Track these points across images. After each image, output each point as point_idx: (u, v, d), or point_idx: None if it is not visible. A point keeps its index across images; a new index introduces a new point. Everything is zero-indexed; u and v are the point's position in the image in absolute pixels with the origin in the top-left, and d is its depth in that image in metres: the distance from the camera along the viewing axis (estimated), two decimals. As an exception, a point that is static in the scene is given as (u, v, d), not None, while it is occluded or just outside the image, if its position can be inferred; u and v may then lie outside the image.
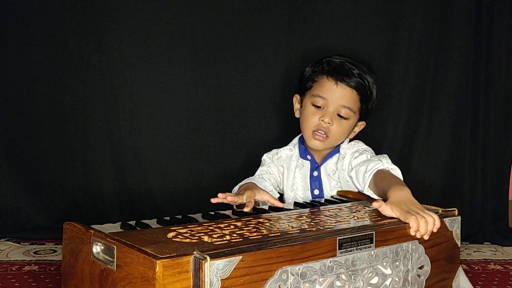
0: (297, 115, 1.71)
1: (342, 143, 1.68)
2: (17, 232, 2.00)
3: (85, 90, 2.04)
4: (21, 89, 2.04)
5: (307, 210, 1.35)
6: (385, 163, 1.45)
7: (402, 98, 2.08)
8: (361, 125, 1.71)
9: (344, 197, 1.57)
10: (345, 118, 1.62)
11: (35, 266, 1.70)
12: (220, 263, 0.94)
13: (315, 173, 1.67)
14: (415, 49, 2.06)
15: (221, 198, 1.39)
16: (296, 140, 1.75)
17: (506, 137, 2.13)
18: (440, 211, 1.30)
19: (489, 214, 2.11)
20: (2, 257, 1.78)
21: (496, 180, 2.13)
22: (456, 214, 1.30)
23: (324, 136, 1.62)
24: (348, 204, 1.42)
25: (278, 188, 1.74)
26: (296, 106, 1.72)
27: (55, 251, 1.86)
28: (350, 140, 1.70)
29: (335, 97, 1.61)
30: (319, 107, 1.63)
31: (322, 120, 1.61)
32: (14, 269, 1.67)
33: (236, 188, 1.61)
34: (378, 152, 1.65)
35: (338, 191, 1.63)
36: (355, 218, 1.25)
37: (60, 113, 2.05)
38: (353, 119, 1.64)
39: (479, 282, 1.66)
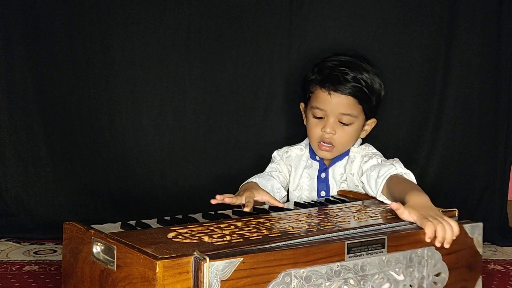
0: (305, 123, 1.69)
1: (353, 145, 1.65)
2: (17, 232, 1.99)
3: (90, 91, 2.05)
4: (27, 89, 2.04)
5: (307, 210, 1.35)
6: (398, 167, 1.42)
7: (407, 98, 2.08)
8: (372, 122, 1.67)
9: (345, 197, 1.57)
10: (347, 124, 1.59)
11: (35, 266, 1.70)
12: (220, 264, 0.93)
13: (323, 175, 1.66)
14: (422, 46, 2.05)
15: (219, 199, 1.39)
16: (307, 140, 1.72)
17: (507, 137, 2.13)
18: (440, 211, 1.30)
19: (490, 214, 2.11)
20: (2, 257, 1.78)
21: (496, 180, 2.13)
22: (456, 215, 1.29)
23: (330, 146, 1.60)
24: (349, 204, 1.41)
25: (287, 186, 1.72)
26: (303, 114, 1.70)
27: (55, 251, 1.86)
28: (362, 142, 1.68)
29: (332, 107, 1.58)
30: (320, 118, 1.61)
31: (324, 131, 1.59)
32: (14, 269, 1.67)
33: (241, 186, 1.60)
34: (382, 151, 1.65)
35: (338, 191, 1.62)
36: (356, 218, 1.24)
37: (65, 114, 2.05)
38: (358, 122, 1.61)
39: (480, 282, 1.66)
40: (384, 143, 2.03)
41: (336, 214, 1.29)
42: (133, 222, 1.21)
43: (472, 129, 2.10)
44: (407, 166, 1.46)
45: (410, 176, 1.42)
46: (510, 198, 2.19)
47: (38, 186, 2.06)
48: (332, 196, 1.59)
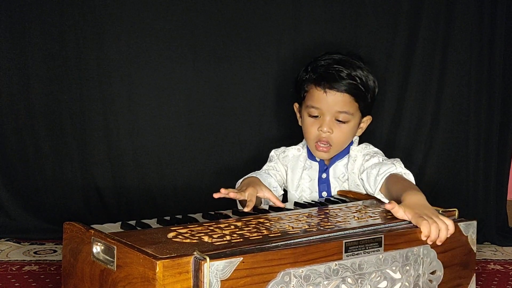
0: (300, 123, 1.68)
1: (351, 144, 1.65)
2: (17, 232, 1.99)
3: (82, 88, 2.03)
4: (16, 87, 2.01)
5: (307, 210, 1.35)
6: (398, 167, 1.43)
7: (405, 98, 2.08)
8: (367, 120, 1.66)
9: (345, 197, 1.57)
10: (344, 122, 1.58)
11: (35, 266, 1.70)
12: (220, 264, 0.93)
13: (324, 175, 1.65)
14: (419, 47, 2.05)
15: (223, 193, 1.38)
16: (305, 141, 1.70)
17: (506, 137, 2.13)
18: (440, 212, 1.30)
19: (489, 214, 2.11)
20: (2, 257, 1.78)
21: (496, 180, 2.13)
22: (456, 215, 1.30)
23: (327, 145, 1.59)
24: (349, 204, 1.42)
25: (283, 185, 1.72)
26: (298, 114, 1.69)
27: (55, 251, 1.86)
28: (360, 141, 1.67)
29: (328, 105, 1.56)
30: (315, 116, 1.59)
31: (321, 130, 1.58)
32: (14, 269, 1.67)
33: (240, 182, 1.58)
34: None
35: (338, 191, 1.62)
36: (356, 218, 1.24)
37: (57, 112, 2.03)
38: (354, 120, 1.60)
39: (479, 282, 1.66)
40: (382, 143, 2.03)
41: (336, 214, 1.29)
42: (133, 222, 1.21)
43: (470, 129, 2.10)
44: (405, 166, 1.47)
45: (409, 176, 1.43)
46: (510, 198, 2.19)
47: (38, 186, 2.05)
48: (332, 196, 1.59)
